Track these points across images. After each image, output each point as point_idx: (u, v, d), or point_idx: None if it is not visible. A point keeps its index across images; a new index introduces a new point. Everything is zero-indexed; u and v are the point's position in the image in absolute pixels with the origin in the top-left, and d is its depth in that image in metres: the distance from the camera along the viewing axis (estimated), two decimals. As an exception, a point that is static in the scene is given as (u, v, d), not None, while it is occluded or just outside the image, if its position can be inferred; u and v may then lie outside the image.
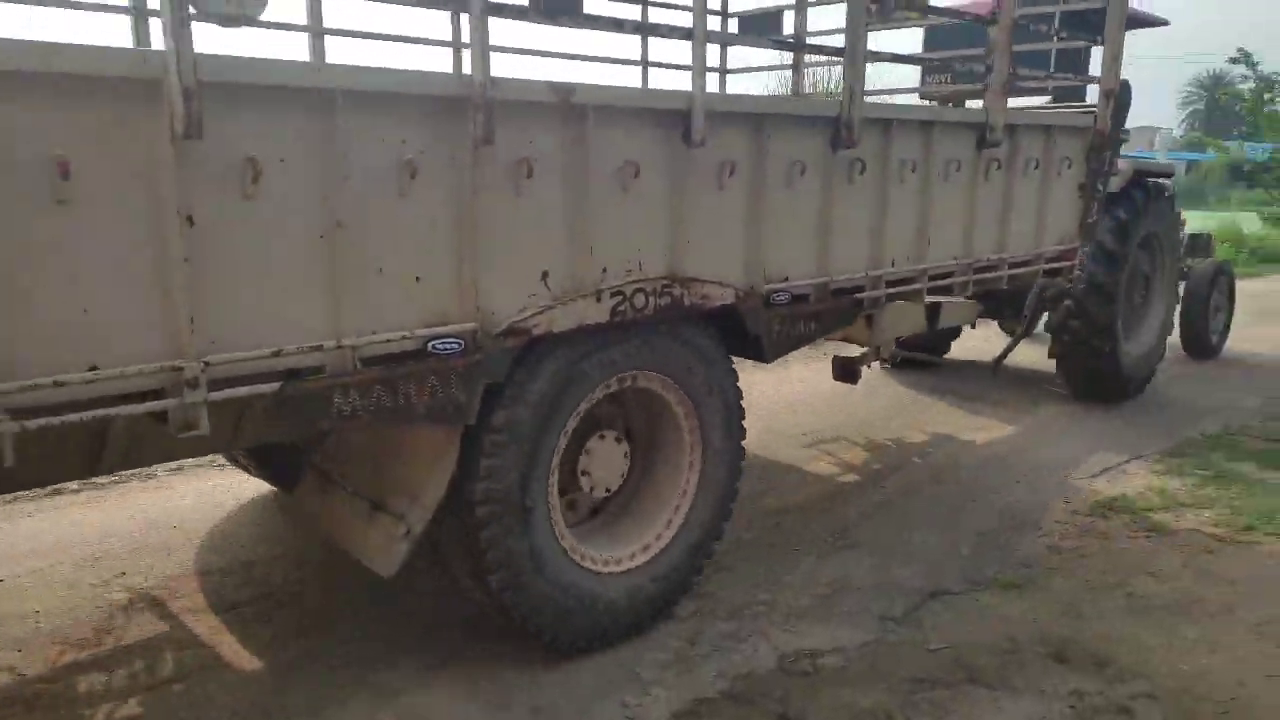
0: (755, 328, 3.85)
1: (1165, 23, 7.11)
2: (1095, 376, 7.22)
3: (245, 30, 2.53)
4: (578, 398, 3.37)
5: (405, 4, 2.93)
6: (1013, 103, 6.24)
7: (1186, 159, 38.31)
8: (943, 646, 3.71)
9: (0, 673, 3.39)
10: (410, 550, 3.12)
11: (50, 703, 3.24)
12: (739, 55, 7.37)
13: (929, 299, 4.91)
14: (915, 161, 4.37)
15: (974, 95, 6.94)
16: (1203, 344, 8.94)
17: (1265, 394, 7.85)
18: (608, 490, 3.79)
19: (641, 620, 3.76)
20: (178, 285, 2.39)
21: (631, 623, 3.71)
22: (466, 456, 3.14)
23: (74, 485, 4.99)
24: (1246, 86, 25.66)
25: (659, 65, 6.24)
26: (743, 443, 4.06)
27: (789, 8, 6.74)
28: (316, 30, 5.02)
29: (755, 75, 13.17)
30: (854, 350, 6.10)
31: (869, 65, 4.02)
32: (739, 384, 3.98)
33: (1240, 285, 9.56)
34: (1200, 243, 9.20)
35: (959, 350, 8.59)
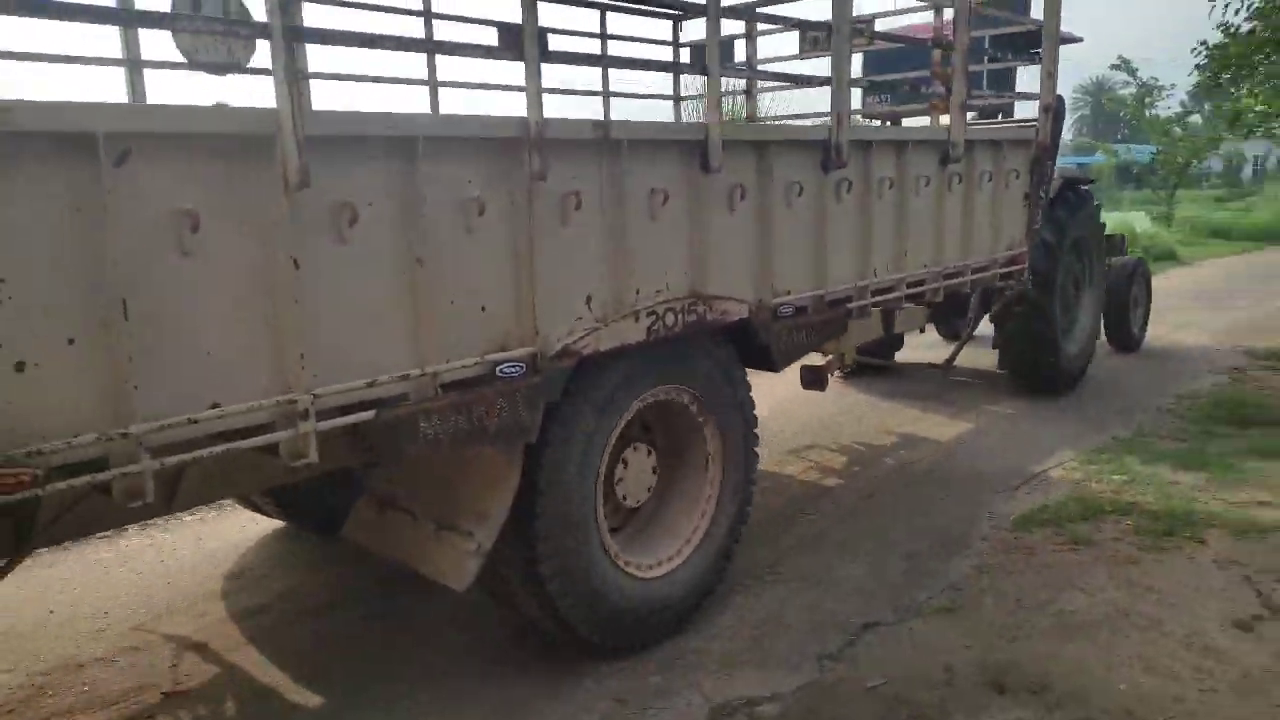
0: (766, 339, 4.14)
1: (1080, 39, 7.68)
2: (1039, 372, 7.74)
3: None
4: (620, 412, 3.61)
5: (468, 56, 3.14)
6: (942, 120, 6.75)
7: (1076, 162, 40.19)
8: (881, 683, 3.61)
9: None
10: (481, 565, 3.30)
11: None
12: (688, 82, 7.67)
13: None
14: (891, 179, 4.73)
15: (914, 113, 7.43)
16: (1126, 337, 9.58)
17: (1175, 388, 8.15)
18: (637, 501, 4.02)
19: (680, 619, 3.99)
20: (289, 325, 2.57)
21: (671, 622, 3.95)
22: (526, 473, 3.35)
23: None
24: (1128, 92, 27.25)
25: (620, 95, 6.52)
26: (756, 448, 4.35)
27: (739, 36, 7.11)
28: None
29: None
30: (819, 359, 6.46)
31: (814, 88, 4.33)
32: (751, 394, 4.27)
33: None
34: (1115, 243, 9.84)
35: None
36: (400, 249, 2.83)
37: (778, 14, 6.55)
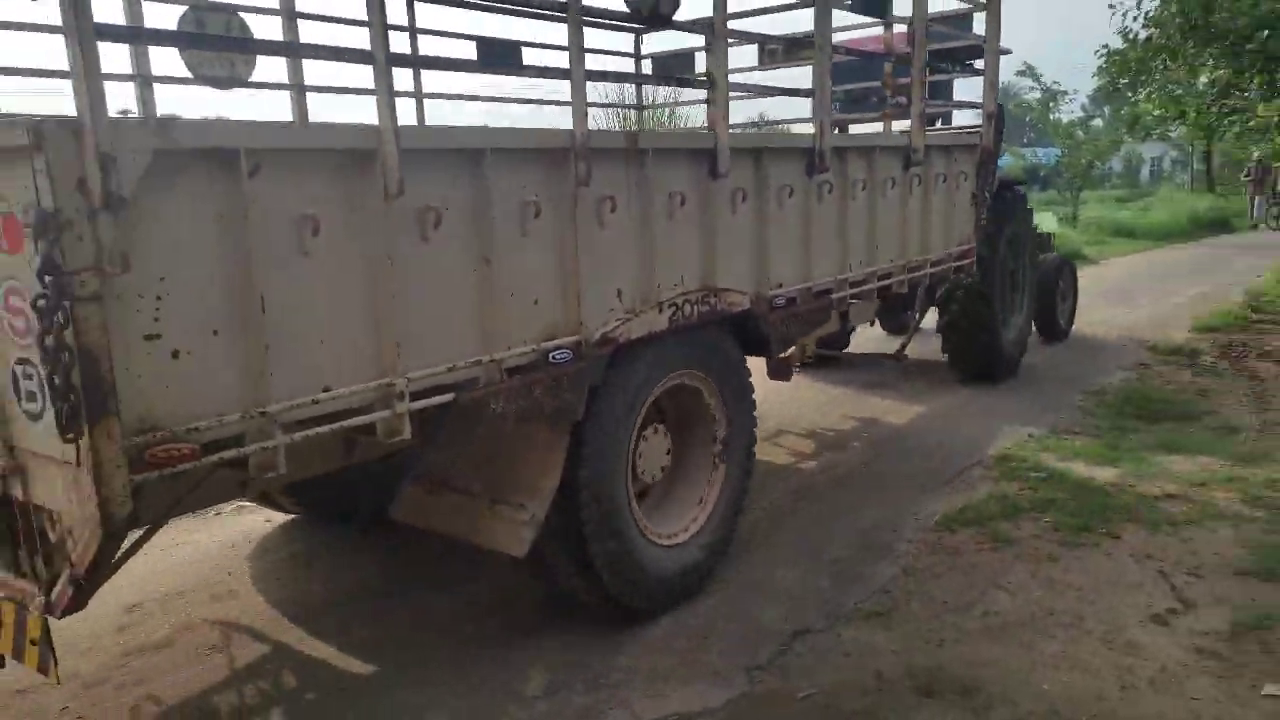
0: (764, 328, 4.57)
1: (1009, 51, 8.30)
2: (982, 360, 8.33)
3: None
4: (647, 393, 4.00)
5: (526, 75, 3.49)
6: (874, 127, 7.27)
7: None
8: (812, 692, 3.62)
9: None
10: (536, 534, 3.64)
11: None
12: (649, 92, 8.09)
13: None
14: (864, 181, 5.21)
15: (862, 120, 7.95)
16: (1054, 329, 10.28)
17: (1087, 384, 8.41)
18: (653, 477, 4.40)
19: (693, 584, 4.38)
20: (387, 316, 2.89)
21: (690, 585, 4.34)
22: (570, 449, 3.70)
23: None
24: (1033, 97, 28.51)
25: (597, 105, 6.90)
26: (755, 428, 4.77)
27: (699, 49, 7.53)
28: (298, 87, 5.49)
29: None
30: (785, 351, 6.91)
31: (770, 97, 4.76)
32: (750, 377, 4.69)
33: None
34: (1043, 240, 10.55)
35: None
36: (471, 248, 3.17)
37: (741, 29, 7.02)
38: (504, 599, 4.43)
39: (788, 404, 7.95)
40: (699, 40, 7.71)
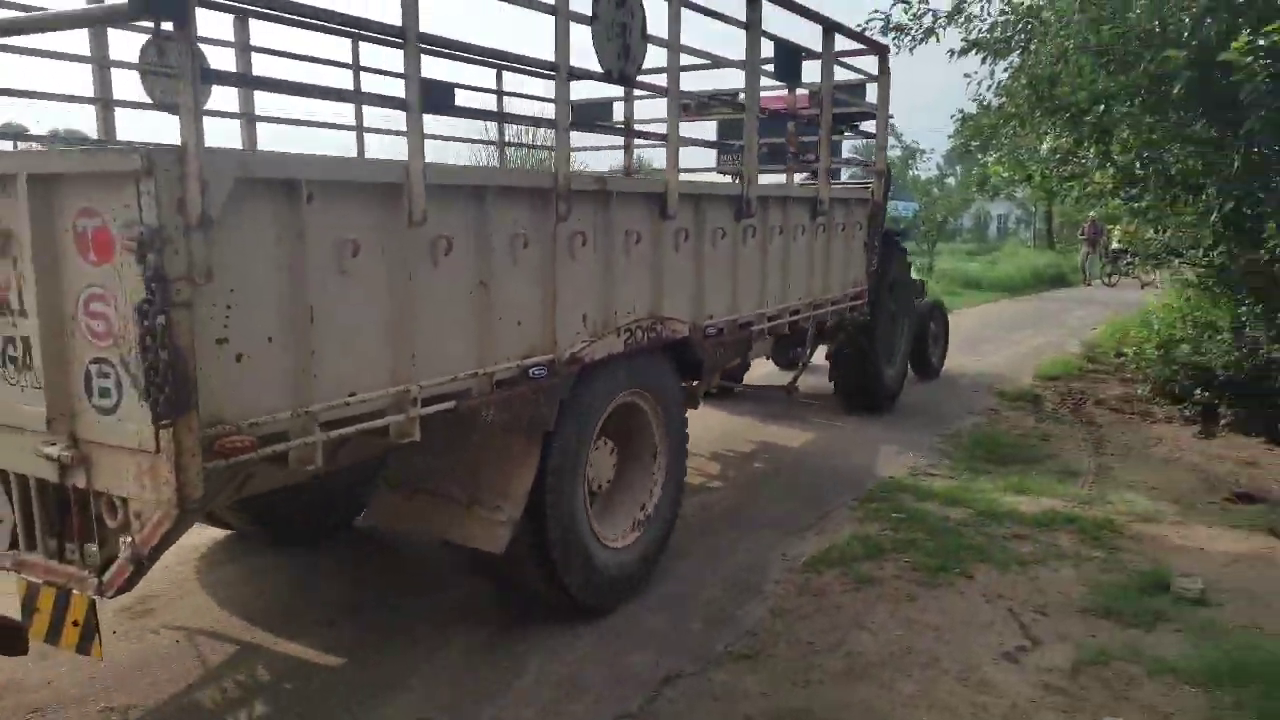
0: (699, 354, 5.10)
1: (891, 116, 9.21)
2: (864, 391, 9.11)
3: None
4: (603, 409, 4.45)
5: (520, 124, 3.92)
6: (762, 180, 7.95)
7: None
8: None
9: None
10: (511, 533, 4.03)
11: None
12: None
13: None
14: (780, 226, 5.84)
15: (767, 172, 8.65)
16: (926, 367, 11.22)
17: (943, 428, 8.84)
18: (600, 486, 4.83)
19: (636, 584, 4.82)
20: (405, 330, 3.27)
21: (632, 586, 4.78)
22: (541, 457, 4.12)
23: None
24: (894, 154, 30.31)
25: (534, 146, 7.37)
26: (686, 445, 5.28)
27: (618, 99, 8.11)
28: (249, 117, 5.80)
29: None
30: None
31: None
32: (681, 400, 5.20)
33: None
34: (917, 286, 11.52)
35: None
36: (471, 272, 3.58)
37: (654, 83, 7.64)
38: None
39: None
40: (617, 90, 8.39)
